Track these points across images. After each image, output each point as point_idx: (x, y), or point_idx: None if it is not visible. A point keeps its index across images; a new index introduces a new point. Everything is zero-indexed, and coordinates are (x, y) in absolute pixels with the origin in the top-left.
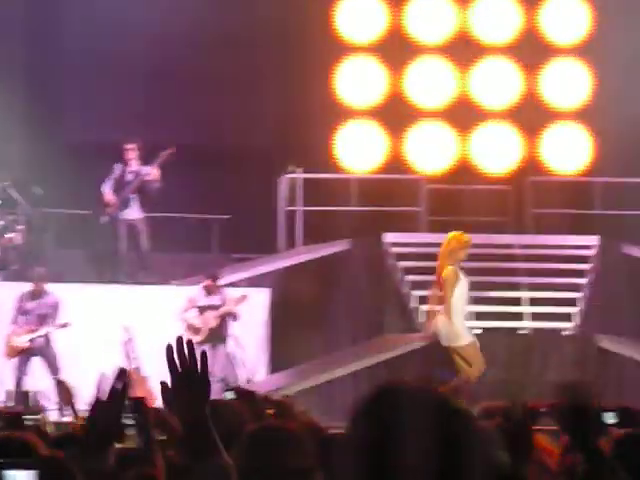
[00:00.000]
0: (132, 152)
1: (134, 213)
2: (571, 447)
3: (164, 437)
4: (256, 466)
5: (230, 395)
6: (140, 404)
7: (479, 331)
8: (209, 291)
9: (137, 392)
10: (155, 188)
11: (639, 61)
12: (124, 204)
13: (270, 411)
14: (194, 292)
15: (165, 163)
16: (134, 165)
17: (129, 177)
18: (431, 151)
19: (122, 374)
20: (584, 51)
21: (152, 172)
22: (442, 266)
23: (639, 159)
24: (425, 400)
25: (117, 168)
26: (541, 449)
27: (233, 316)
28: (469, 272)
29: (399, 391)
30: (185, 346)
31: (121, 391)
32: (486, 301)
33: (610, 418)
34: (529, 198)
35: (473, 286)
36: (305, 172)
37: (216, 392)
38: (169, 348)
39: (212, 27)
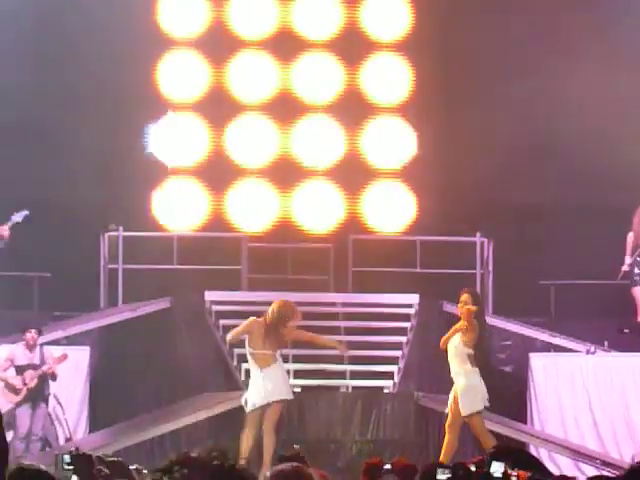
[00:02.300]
0: None
1: None
2: None
3: None
4: None
5: (67, 459)
6: None
7: (298, 389)
8: (29, 347)
9: None
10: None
11: (453, 124)
12: None
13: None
14: (14, 349)
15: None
16: None
17: None
18: (252, 209)
19: None
20: (405, 108)
21: (2, 232)
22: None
23: (457, 218)
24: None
25: None
26: None
27: (52, 375)
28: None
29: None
30: None
31: None
32: (307, 359)
33: (443, 474)
34: (350, 256)
35: (294, 344)
36: (125, 230)
37: (36, 451)
38: None
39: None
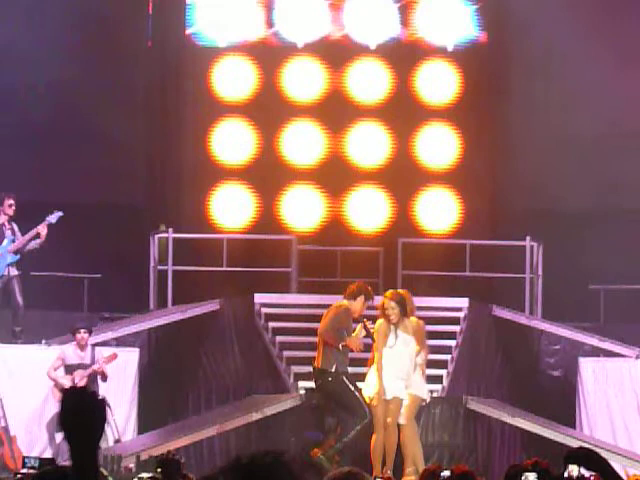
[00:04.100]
0: (9, 208)
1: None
2: None
3: None
4: None
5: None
6: None
7: None
8: (80, 347)
9: (4, 451)
10: (38, 247)
11: (501, 122)
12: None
13: None
14: (65, 350)
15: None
16: (7, 223)
17: (8, 233)
18: (303, 211)
19: None
20: (453, 111)
21: (40, 231)
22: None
23: (506, 221)
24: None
25: None
26: None
27: (102, 375)
28: None
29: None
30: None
31: None
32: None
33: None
34: (400, 259)
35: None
36: (175, 231)
37: None
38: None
39: (85, 87)
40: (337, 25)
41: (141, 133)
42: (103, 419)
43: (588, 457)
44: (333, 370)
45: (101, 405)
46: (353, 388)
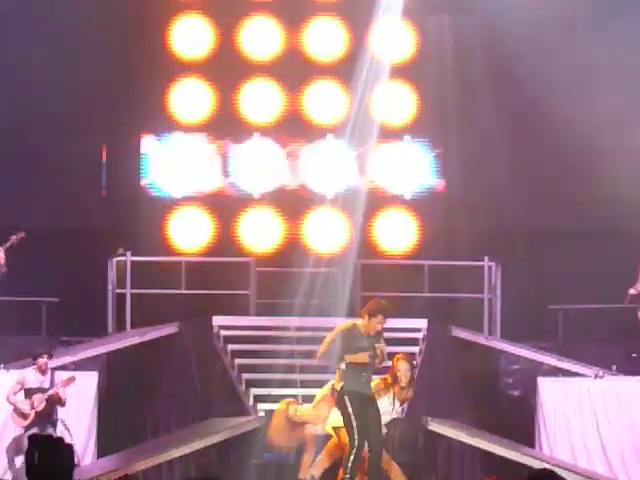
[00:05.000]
0: None
1: None
2: None
3: None
4: None
5: None
6: None
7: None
8: (41, 372)
9: None
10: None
11: (457, 143)
12: None
13: None
14: (25, 374)
15: (13, 247)
16: None
17: None
18: (261, 233)
19: None
20: (411, 131)
21: None
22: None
23: (463, 242)
24: None
25: None
26: None
27: (59, 400)
28: (303, 355)
29: None
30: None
31: None
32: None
33: None
34: (359, 280)
35: (306, 369)
36: (134, 254)
37: None
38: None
39: (42, 111)
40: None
41: (97, 156)
42: (71, 467)
43: (551, 478)
44: (338, 388)
45: (69, 453)
46: (351, 411)
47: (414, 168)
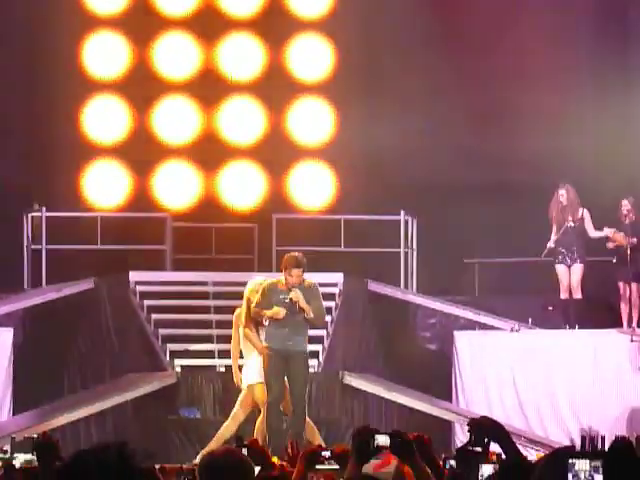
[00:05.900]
0: None
1: None
2: None
3: None
4: None
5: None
6: None
7: (222, 369)
8: None
9: None
10: None
11: (375, 97)
12: None
13: None
14: None
15: None
16: None
17: None
18: (177, 189)
19: None
20: (327, 87)
21: None
22: None
23: (380, 196)
24: None
25: None
26: None
27: None
28: (219, 310)
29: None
30: None
31: None
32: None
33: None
34: (274, 235)
35: (223, 324)
36: (49, 210)
37: None
38: None
39: None
40: None
41: (11, 110)
42: None
43: (492, 427)
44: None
45: None
46: (266, 368)
47: (331, 122)
